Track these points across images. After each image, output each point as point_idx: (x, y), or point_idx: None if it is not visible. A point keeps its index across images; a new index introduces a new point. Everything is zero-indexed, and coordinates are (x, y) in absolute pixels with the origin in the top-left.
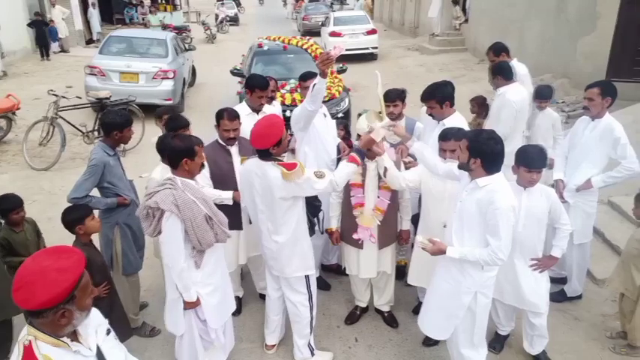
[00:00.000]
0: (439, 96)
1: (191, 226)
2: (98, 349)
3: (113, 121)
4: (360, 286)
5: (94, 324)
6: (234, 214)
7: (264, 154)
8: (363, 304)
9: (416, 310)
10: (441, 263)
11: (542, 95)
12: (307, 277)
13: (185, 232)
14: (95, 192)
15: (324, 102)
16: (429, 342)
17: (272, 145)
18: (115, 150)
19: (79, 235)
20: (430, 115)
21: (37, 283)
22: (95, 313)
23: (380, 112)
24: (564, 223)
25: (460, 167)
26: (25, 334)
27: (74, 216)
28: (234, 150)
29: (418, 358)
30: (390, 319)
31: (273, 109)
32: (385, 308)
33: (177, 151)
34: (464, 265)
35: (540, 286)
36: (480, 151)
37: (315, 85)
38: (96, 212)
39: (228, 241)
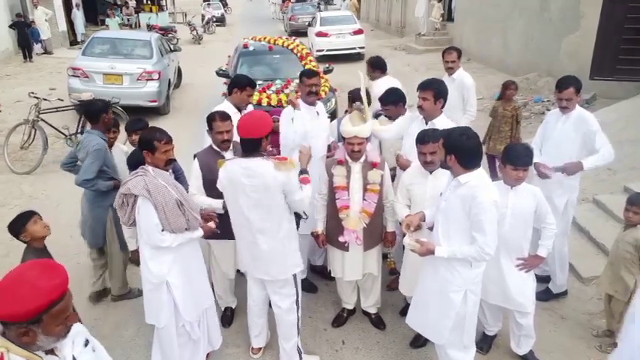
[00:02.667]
0: (437, 89)
1: (163, 211)
2: None
3: (97, 107)
4: (347, 289)
5: (72, 334)
6: (227, 222)
7: (253, 147)
8: (350, 307)
9: (403, 312)
10: (428, 264)
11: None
12: (294, 278)
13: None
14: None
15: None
16: (416, 343)
17: (265, 134)
18: (106, 136)
19: (27, 242)
20: (419, 107)
21: (8, 294)
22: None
23: (363, 113)
24: (550, 222)
25: (442, 166)
26: None
27: (14, 226)
28: (228, 156)
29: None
30: (378, 321)
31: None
32: (372, 310)
33: (140, 142)
34: (452, 264)
35: (526, 285)
36: (454, 147)
37: None
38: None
39: (225, 250)
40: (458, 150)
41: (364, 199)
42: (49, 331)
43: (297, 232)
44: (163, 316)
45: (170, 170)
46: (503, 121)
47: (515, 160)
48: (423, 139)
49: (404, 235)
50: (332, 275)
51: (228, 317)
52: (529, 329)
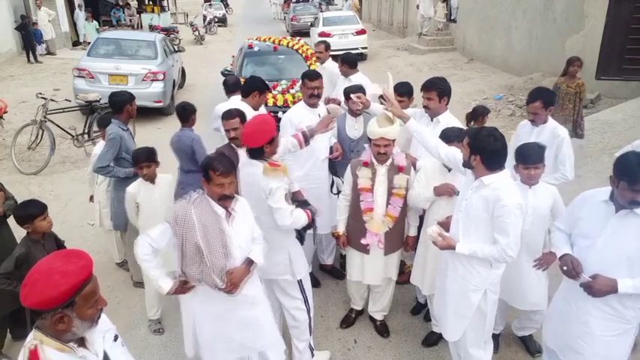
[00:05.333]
0: (441, 88)
1: (180, 246)
2: (105, 355)
3: (123, 97)
4: (357, 290)
5: (102, 329)
6: None
7: (256, 153)
8: (359, 307)
9: (414, 311)
10: (447, 263)
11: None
12: (300, 281)
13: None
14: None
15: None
16: (428, 342)
17: (265, 142)
18: (127, 125)
19: (28, 232)
20: (425, 107)
21: (40, 283)
22: (103, 318)
23: (390, 115)
24: None
25: (465, 165)
26: (31, 338)
27: (23, 214)
28: (242, 152)
29: (418, 358)
30: (382, 329)
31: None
32: (378, 316)
33: (202, 165)
34: (471, 263)
35: (541, 284)
36: (480, 147)
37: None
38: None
39: None
40: (483, 151)
41: (389, 203)
42: (82, 314)
43: (295, 241)
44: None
45: (232, 207)
46: (567, 98)
47: (525, 158)
48: (448, 138)
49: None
50: (349, 279)
51: None
52: (539, 323)
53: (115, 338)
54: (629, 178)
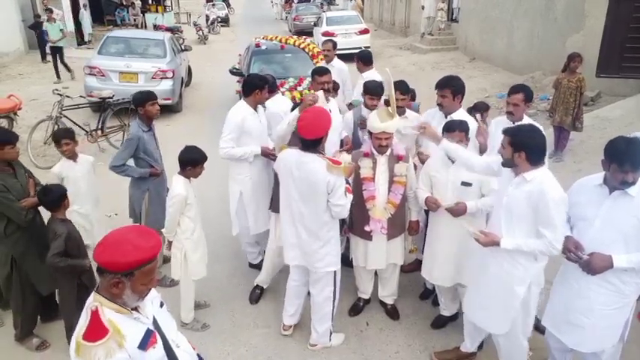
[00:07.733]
0: (455, 86)
1: None
2: (154, 318)
3: (133, 97)
4: (365, 278)
5: (150, 297)
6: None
7: (313, 145)
8: (366, 296)
9: (422, 297)
10: (488, 260)
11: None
12: (334, 274)
13: None
14: None
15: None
16: (437, 324)
17: (324, 134)
18: (149, 126)
19: (54, 214)
20: (439, 105)
21: (113, 247)
22: None
23: (390, 109)
24: None
25: (505, 164)
26: (91, 300)
27: (54, 199)
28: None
29: (427, 339)
30: (393, 312)
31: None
32: (388, 300)
33: None
34: (516, 258)
35: None
36: (524, 144)
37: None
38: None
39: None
40: (528, 147)
41: (390, 191)
42: (135, 287)
43: (338, 233)
44: None
45: None
46: (568, 92)
47: None
48: (450, 128)
49: (426, 225)
50: (355, 264)
51: (256, 295)
52: (540, 303)
53: (161, 305)
54: (618, 160)
